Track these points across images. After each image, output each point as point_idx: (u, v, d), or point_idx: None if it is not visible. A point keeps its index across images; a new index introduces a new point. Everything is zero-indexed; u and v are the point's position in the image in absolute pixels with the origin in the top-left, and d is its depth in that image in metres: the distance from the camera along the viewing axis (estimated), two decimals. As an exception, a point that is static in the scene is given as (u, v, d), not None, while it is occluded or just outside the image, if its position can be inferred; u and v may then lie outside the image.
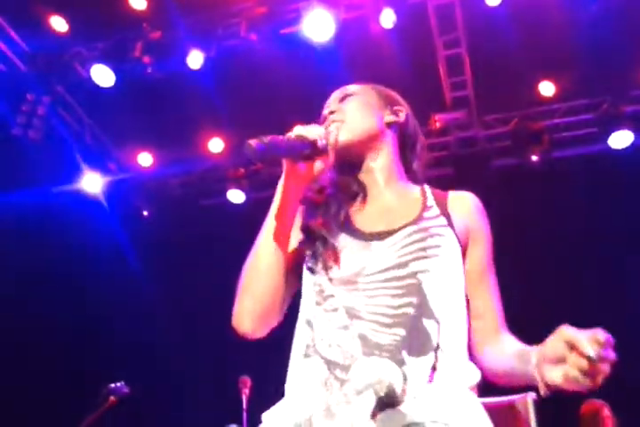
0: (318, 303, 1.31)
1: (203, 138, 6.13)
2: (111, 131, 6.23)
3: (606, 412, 4.37)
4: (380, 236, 1.34)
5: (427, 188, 1.50)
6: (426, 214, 1.39)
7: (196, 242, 5.73)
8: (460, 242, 1.37)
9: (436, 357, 1.21)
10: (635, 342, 4.86)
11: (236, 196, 6.02)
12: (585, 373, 0.99)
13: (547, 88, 5.51)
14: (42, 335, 5.63)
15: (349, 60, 4.78)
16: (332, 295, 1.30)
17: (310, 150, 1.36)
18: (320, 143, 1.36)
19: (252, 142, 1.27)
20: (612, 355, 1.00)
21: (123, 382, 3.73)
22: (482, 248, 1.42)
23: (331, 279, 1.32)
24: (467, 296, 1.39)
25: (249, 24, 5.07)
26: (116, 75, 5.33)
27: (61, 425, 3.73)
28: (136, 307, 5.80)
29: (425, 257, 1.30)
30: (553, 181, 5.46)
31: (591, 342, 0.99)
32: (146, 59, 5.26)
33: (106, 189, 6.21)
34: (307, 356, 1.28)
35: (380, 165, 1.50)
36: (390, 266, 1.29)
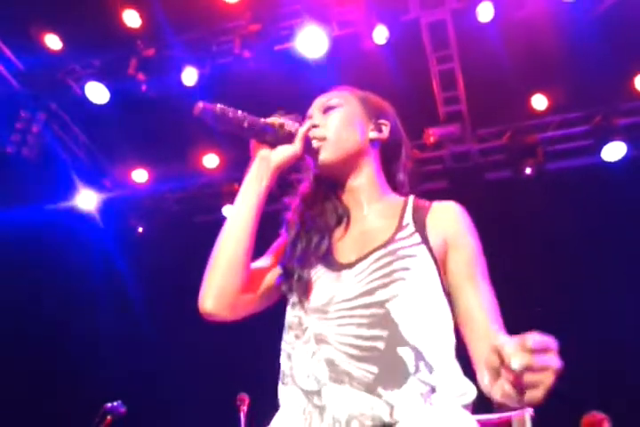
0: (297, 336, 1.33)
1: (198, 154, 6.14)
2: (106, 148, 6.24)
3: (607, 425, 4.34)
4: (351, 264, 1.35)
5: (410, 200, 1.47)
6: (399, 235, 1.36)
7: (192, 259, 5.71)
8: (435, 258, 1.33)
9: (419, 382, 1.19)
10: (635, 353, 4.85)
11: (229, 211, 6.00)
12: (516, 387, 0.89)
13: (539, 101, 5.54)
14: (35, 355, 5.58)
15: (343, 77, 4.81)
16: (308, 327, 1.32)
17: (274, 135, 1.40)
18: (287, 130, 1.40)
19: (201, 104, 1.34)
20: (549, 362, 0.87)
21: (120, 402, 3.69)
22: (463, 253, 1.36)
23: (306, 311, 1.34)
24: (456, 304, 1.34)
25: (243, 41, 5.11)
26: (110, 92, 5.35)
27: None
28: (131, 325, 5.76)
29: (391, 282, 1.28)
30: (547, 194, 5.47)
31: (518, 351, 0.86)
32: (140, 76, 5.29)
33: (101, 206, 6.20)
34: (285, 384, 1.31)
35: (361, 184, 1.49)
36: (357, 294, 1.29)
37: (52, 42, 5.35)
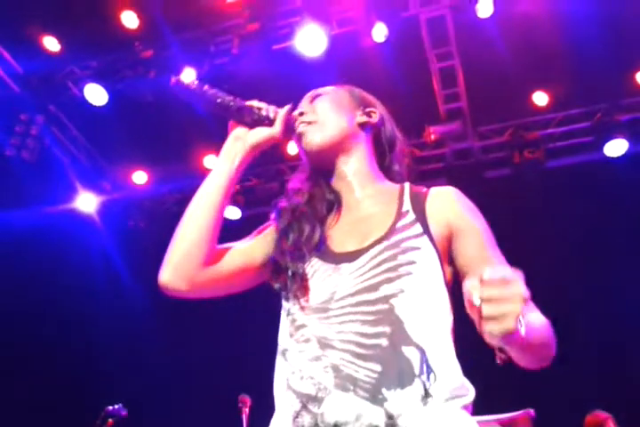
0: (291, 335, 1.28)
1: (197, 155, 6.12)
2: (105, 149, 6.22)
3: (611, 424, 4.30)
4: (351, 256, 1.29)
5: (406, 187, 1.42)
6: (400, 224, 1.31)
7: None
8: (437, 249, 1.28)
9: (423, 383, 1.15)
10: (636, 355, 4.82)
11: (231, 212, 5.99)
12: (484, 321, 0.90)
13: (540, 98, 5.51)
14: (35, 357, 5.57)
15: (342, 75, 4.76)
16: (304, 325, 1.26)
17: (252, 116, 1.39)
18: (265, 113, 1.40)
19: (174, 78, 1.39)
20: (509, 292, 0.88)
21: (121, 405, 3.69)
22: (472, 237, 1.31)
23: (302, 308, 1.28)
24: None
25: (241, 41, 5.09)
26: (109, 93, 5.33)
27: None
28: (132, 327, 5.74)
29: (397, 277, 1.23)
30: (549, 191, 5.45)
31: (478, 285, 0.90)
32: (139, 77, 5.27)
33: (100, 208, 6.18)
34: (284, 391, 1.25)
35: (353, 169, 1.45)
36: (360, 289, 1.24)
37: (51, 44, 5.33)
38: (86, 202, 6.13)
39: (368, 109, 1.53)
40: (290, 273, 1.32)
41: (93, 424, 3.54)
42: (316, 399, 1.17)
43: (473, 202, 1.42)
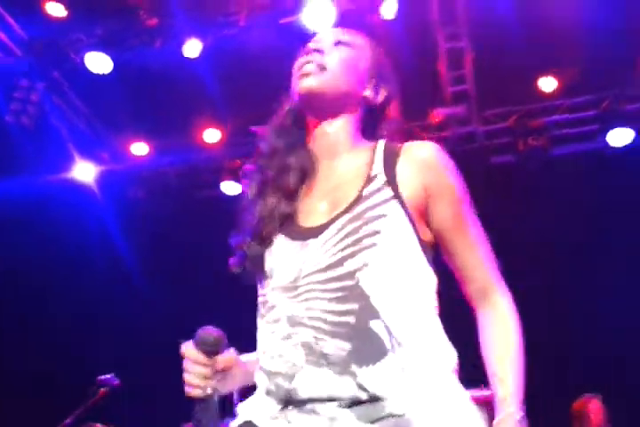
0: (262, 316, 1.27)
1: (199, 128, 6.07)
2: (106, 119, 6.16)
3: (595, 404, 4.40)
4: (317, 231, 1.24)
5: (379, 145, 1.34)
6: (367, 190, 1.24)
7: (191, 233, 5.68)
8: (408, 212, 1.23)
9: (397, 357, 1.13)
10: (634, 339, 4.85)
11: (231, 187, 5.95)
12: None
13: (547, 84, 5.46)
14: (29, 326, 5.60)
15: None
16: (274, 306, 1.24)
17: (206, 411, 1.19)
18: (209, 391, 1.21)
19: None
20: None
21: (113, 374, 3.71)
22: (447, 203, 1.27)
23: (273, 289, 1.26)
24: (449, 258, 1.30)
25: (248, 13, 5.02)
26: (113, 62, 5.25)
27: (53, 417, 3.70)
28: (128, 297, 5.76)
29: (360, 250, 1.19)
30: (552, 179, 5.43)
31: None
32: (144, 46, 5.19)
33: (99, 178, 6.14)
34: (257, 373, 1.26)
35: (336, 132, 1.38)
36: (325, 266, 1.20)
37: (56, 10, 5.23)
38: (84, 171, 6.09)
39: (380, 85, 1.43)
40: (251, 257, 1.31)
41: (86, 394, 3.56)
42: (287, 376, 1.16)
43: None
